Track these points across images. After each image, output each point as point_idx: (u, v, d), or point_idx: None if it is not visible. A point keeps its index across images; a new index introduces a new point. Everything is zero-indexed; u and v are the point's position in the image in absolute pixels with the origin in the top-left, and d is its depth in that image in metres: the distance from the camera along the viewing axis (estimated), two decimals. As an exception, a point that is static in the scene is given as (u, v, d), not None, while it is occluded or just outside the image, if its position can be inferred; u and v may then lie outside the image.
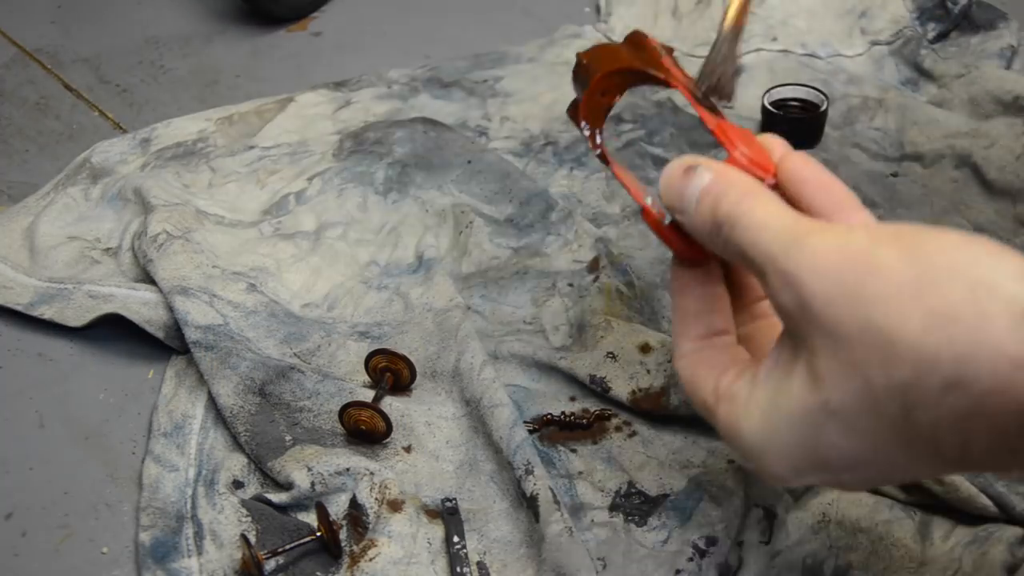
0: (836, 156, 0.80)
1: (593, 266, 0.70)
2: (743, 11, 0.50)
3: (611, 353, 0.63)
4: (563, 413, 0.62)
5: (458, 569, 0.54)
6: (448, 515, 0.56)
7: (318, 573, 0.54)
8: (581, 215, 0.75)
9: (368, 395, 0.62)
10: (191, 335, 0.64)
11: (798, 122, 0.81)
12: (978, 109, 0.82)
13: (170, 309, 0.65)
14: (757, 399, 0.40)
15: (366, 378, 0.64)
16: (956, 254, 0.33)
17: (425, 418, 0.62)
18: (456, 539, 0.55)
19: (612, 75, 0.49)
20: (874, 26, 0.92)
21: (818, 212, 0.42)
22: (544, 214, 0.74)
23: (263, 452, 0.59)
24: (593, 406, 0.62)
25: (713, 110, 0.45)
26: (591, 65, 0.50)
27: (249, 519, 0.56)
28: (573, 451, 0.60)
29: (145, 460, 0.60)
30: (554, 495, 0.55)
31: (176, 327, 0.65)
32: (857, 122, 0.84)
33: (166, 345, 0.66)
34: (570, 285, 0.69)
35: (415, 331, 0.67)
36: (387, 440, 0.60)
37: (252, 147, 0.82)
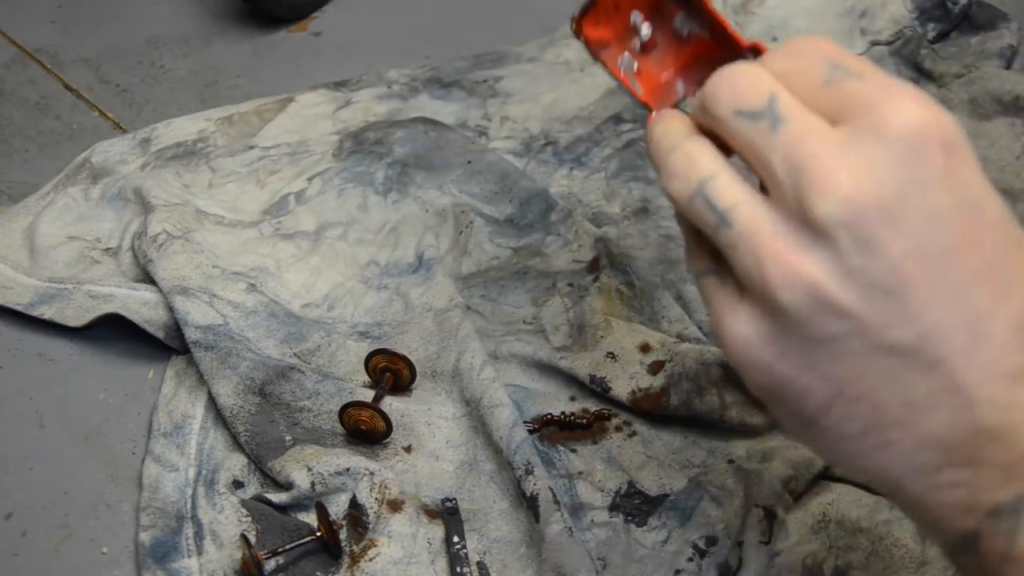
0: (836, 156, 0.80)
1: (593, 266, 0.70)
2: None
3: (611, 353, 0.63)
4: (563, 413, 0.62)
5: (458, 569, 0.54)
6: (448, 515, 0.56)
7: (318, 573, 0.54)
8: (581, 215, 0.75)
9: (368, 395, 0.62)
10: (191, 335, 0.64)
11: None
12: (978, 109, 0.82)
13: (170, 309, 0.65)
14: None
15: (366, 378, 0.64)
16: None
17: (425, 418, 0.62)
18: (456, 539, 0.55)
19: None
20: (874, 26, 0.92)
21: None
22: (544, 214, 0.74)
23: (263, 452, 0.59)
24: (593, 406, 0.62)
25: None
26: None
27: (249, 519, 0.56)
28: (573, 451, 0.60)
29: (145, 460, 0.60)
30: (554, 495, 0.55)
31: (176, 327, 0.65)
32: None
33: (166, 345, 0.66)
34: (570, 285, 0.69)
35: (415, 331, 0.67)
36: (387, 440, 0.60)
37: (252, 147, 0.82)
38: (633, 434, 0.61)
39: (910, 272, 0.32)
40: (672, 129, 0.37)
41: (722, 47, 0.43)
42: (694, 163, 0.35)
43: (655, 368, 0.62)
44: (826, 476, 0.57)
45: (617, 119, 0.83)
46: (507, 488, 0.58)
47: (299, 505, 0.57)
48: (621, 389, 0.62)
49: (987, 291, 0.32)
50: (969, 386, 0.32)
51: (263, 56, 0.95)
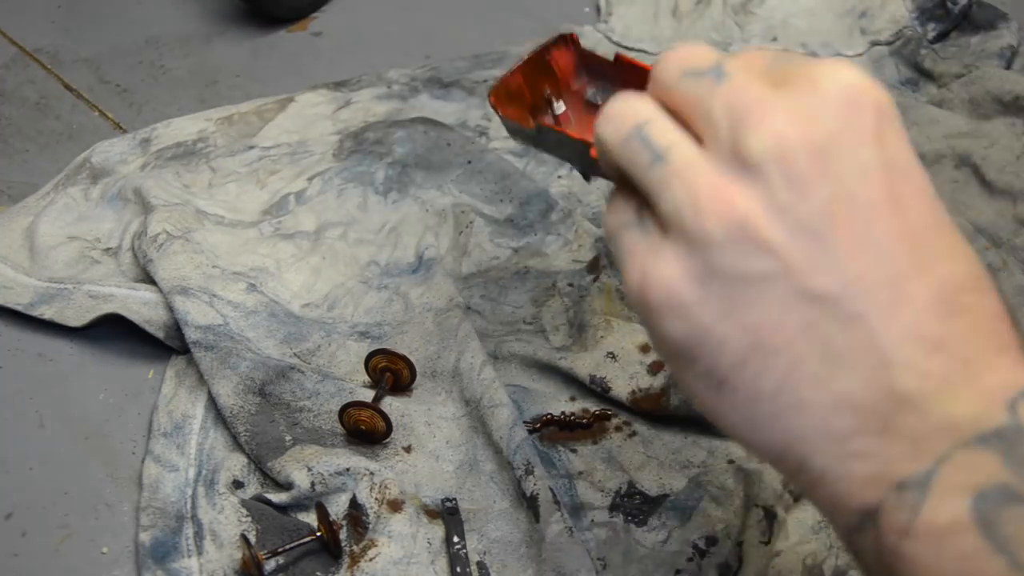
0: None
1: (593, 266, 0.70)
2: None
3: (611, 353, 0.63)
4: (563, 413, 0.62)
5: (458, 569, 0.54)
6: (448, 515, 0.56)
7: (318, 573, 0.54)
8: (581, 215, 0.75)
9: (368, 395, 0.62)
10: (191, 335, 0.64)
11: None
12: (978, 109, 0.82)
13: (170, 309, 0.65)
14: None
15: (366, 378, 0.64)
16: None
17: (425, 418, 0.62)
18: (456, 539, 0.55)
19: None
20: (874, 26, 0.92)
21: None
22: (544, 214, 0.74)
23: (263, 452, 0.59)
24: (593, 406, 0.62)
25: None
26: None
27: (249, 519, 0.56)
28: (573, 451, 0.60)
29: (145, 460, 0.60)
30: (554, 495, 0.55)
31: (176, 327, 0.65)
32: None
33: (166, 345, 0.66)
34: (570, 285, 0.69)
35: (415, 331, 0.67)
36: (387, 440, 0.60)
37: (252, 147, 0.82)
38: (633, 434, 0.61)
39: (836, 217, 0.32)
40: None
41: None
42: (633, 108, 0.36)
43: (655, 368, 0.62)
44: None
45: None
46: (507, 488, 0.58)
47: (299, 505, 0.57)
48: (621, 389, 0.62)
49: (910, 254, 0.32)
50: (887, 346, 0.32)
51: (263, 56, 0.95)
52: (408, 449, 0.60)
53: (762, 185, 0.32)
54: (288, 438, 0.60)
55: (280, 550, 0.54)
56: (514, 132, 0.49)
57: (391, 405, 0.62)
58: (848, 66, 0.33)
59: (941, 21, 0.91)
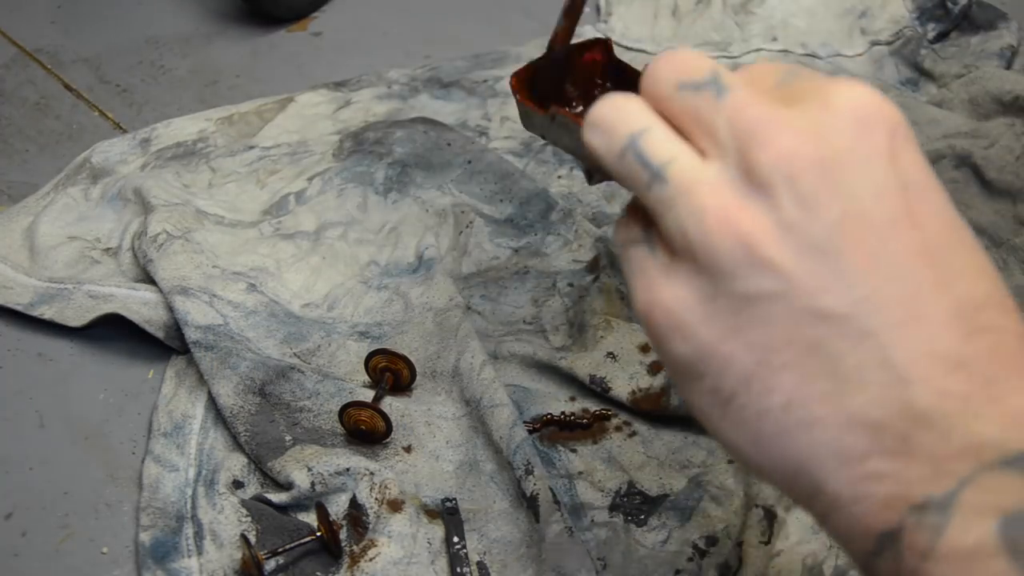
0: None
1: (593, 266, 0.70)
2: None
3: (611, 353, 0.63)
4: (563, 413, 0.62)
5: (458, 569, 0.54)
6: (448, 515, 0.56)
7: (318, 573, 0.54)
8: (581, 215, 0.75)
9: (368, 395, 0.62)
10: (191, 335, 0.64)
11: None
12: (978, 109, 0.82)
13: (170, 309, 0.65)
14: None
15: (366, 378, 0.64)
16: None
17: (425, 418, 0.62)
18: (456, 539, 0.55)
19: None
20: (874, 26, 0.92)
21: None
22: (544, 214, 0.74)
23: (263, 452, 0.59)
24: (593, 406, 0.62)
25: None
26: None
27: (249, 519, 0.56)
28: (573, 451, 0.60)
29: (145, 460, 0.60)
30: (554, 495, 0.55)
31: (176, 327, 0.65)
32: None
33: (166, 345, 0.66)
34: (570, 285, 0.69)
35: (415, 331, 0.67)
36: (387, 440, 0.60)
37: (252, 147, 0.82)
38: (633, 434, 0.61)
39: (848, 236, 0.31)
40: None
41: None
42: (625, 115, 0.34)
43: (655, 368, 0.62)
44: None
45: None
46: (507, 488, 0.58)
47: (299, 505, 0.57)
48: (621, 389, 0.62)
49: (926, 273, 0.31)
50: (902, 362, 0.31)
51: (263, 56, 0.95)
52: (408, 449, 0.60)
53: (771, 203, 0.31)
54: (288, 438, 0.60)
55: (280, 550, 0.54)
56: (526, 117, 0.48)
57: (391, 405, 0.62)
58: (860, 84, 0.33)
59: (941, 21, 0.91)
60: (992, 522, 0.28)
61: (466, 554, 0.55)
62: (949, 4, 0.91)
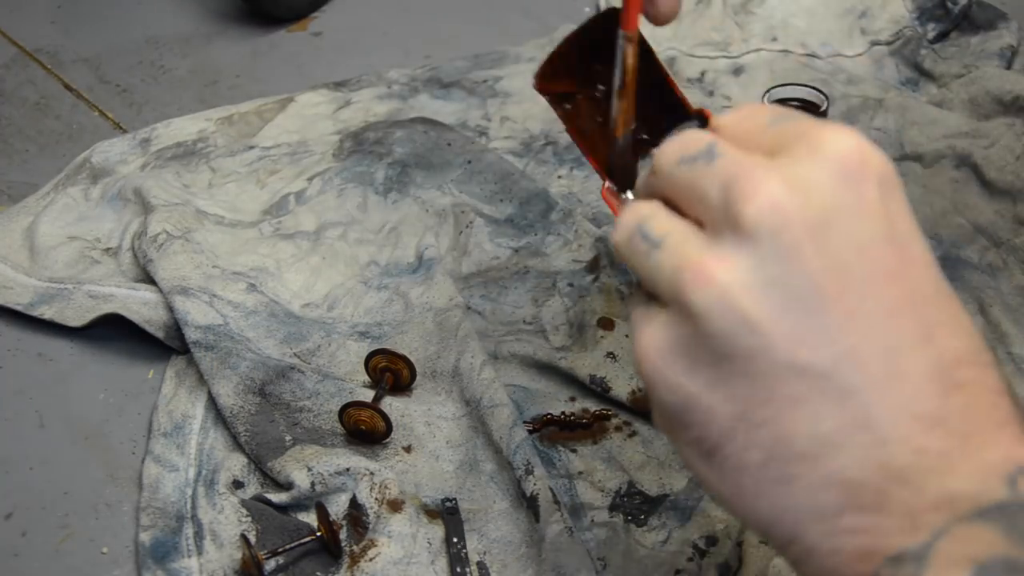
0: (836, 156, 0.80)
1: (593, 266, 0.70)
2: (633, 77, 0.44)
3: (611, 353, 0.63)
4: (563, 413, 0.62)
5: (458, 569, 0.54)
6: (448, 515, 0.56)
7: (318, 573, 0.54)
8: (581, 215, 0.75)
9: (368, 395, 0.62)
10: (191, 335, 0.64)
11: None
12: (978, 109, 0.82)
13: (170, 309, 0.65)
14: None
15: (366, 378, 0.64)
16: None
17: (425, 418, 0.62)
18: (456, 539, 0.55)
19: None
20: (874, 26, 0.92)
21: None
22: (544, 214, 0.74)
23: (263, 452, 0.59)
24: (593, 406, 0.62)
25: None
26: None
27: (249, 519, 0.56)
28: (573, 451, 0.60)
29: (145, 460, 0.60)
30: (554, 495, 0.55)
31: (176, 327, 0.65)
32: (857, 122, 0.84)
33: (166, 345, 0.66)
34: (570, 285, 0.69)
35: (415, 331, 0.67)
36: (387, 440, 0.60)
37: (252, 147, 0.82)
38: (633, 434, 0.61)
39: (829, 291, 0.31)
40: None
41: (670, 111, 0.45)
42: (636, 210, 0.35)
43: (655, 368, 0.62)
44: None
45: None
46: (507, 488, 0.58)
47: (299, 505, 0.57)
48: (621, 389, 0.62)
49: (907, 328, 0.31)
50: (882, 423, 0.31)
51: (263, 56, 0.95)
52: (408, 449, 0.60)
53: (752, 255, 0.31)
54: (288, 438, 0.60)
55: (280, 550, 0.54)
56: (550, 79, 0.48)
57: (391, 405, 0.62)
58: (848, 132, 0.32)
59: (941, 21, 0.91)
60: (966, 572, 0.29)
61: (466, 554, 0.55)
62: (949, 4, 0.91)
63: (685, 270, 0.32)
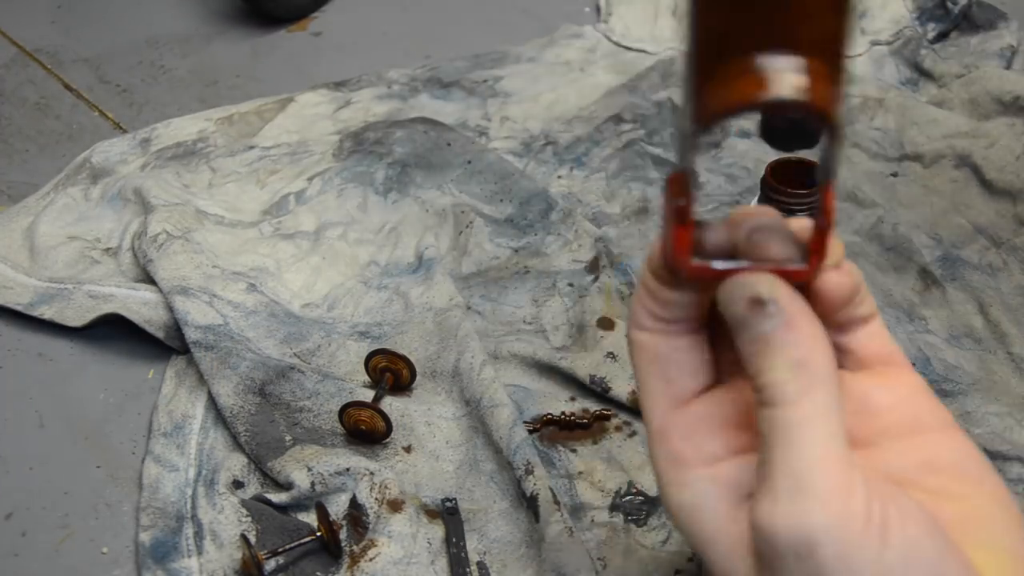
0: (836, 156, 0.80)
1: (593, 266, 0.70)
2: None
3: (611, 353, 0.63)
4: (563, 413, 0.62)
5: (458, 569, 0.54)
6: (448, 515, 0.56)
7: (318, 573, 0.54)
8: (581, 215, 0.75)
9: (368, 395, 0.62)
10: (191, 335, 0.64)
11: (798, 122, 0.81)
12: (978, 109, 0.82)
13: (170, 309, 0.65)
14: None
15: (366, 378, 0.64)
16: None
17: (425, 418, 0.62)
18: (456, 539, 0.55)
19: None
20: (874, 26, 0.92)
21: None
22: (544, 214, 0.74)
23: (263, 452, 0.59)
24: (593, 406, 0.62)
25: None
26: None
27: (249, 519, 0.56)
28: (573, 451, 0.60)
29: (145, 460, 0.60)
30: (554, 495, 0.55)
31: (176, 327, 0.65)
32: (857, 122, 0.84)
33: (166, 345, 0.66)
34: (570, 285, 0.69)
35: (415, 331, 0.67)
36: (387, 440, 0.60)
37: (252, 147, 0.82)
38: (633, 434, 0.61)
39: None
40: None
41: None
42: None
43: (655, 368, 0.62)
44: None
45: (617, 119, 0.83)
46: (507, 488, 0.58)
47: (299, 505, 0.57)
48: (621, 389, 0.62)
49: None
50: None
51: (263, 56, 0.95)
52: (408, 449, 0.60)
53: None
54: (288, 438, 0.60)
55: (280, 550, 0.54)
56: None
57: (391, 405, 0.62)
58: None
59: (941, 21, 0.91)
60: None
61: (466, 554, 0.55)
62: (949, 4, 0.91)
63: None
